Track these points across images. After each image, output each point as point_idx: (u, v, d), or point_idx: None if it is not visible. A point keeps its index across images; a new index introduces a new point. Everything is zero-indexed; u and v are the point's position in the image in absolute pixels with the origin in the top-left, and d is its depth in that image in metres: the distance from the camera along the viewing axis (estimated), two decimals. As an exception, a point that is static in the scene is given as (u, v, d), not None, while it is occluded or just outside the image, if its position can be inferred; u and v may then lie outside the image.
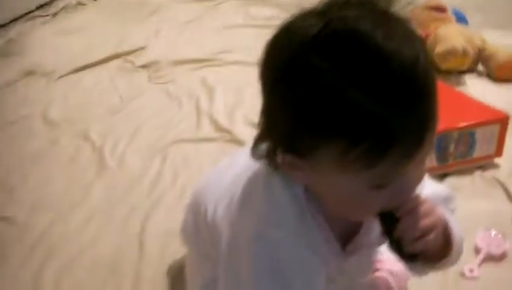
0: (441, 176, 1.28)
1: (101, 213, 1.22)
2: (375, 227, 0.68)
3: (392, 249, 0.65)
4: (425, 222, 0.63)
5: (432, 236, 0.64)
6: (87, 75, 1.87)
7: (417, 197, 0.64)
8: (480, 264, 1.03)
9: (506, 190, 1.24)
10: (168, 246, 1.09)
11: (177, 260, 1.05)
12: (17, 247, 1.13)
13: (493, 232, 1.09)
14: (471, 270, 1.01)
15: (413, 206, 0.63)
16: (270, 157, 0.65)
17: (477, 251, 1.06)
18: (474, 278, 1.00)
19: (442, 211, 0.68)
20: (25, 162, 1.42)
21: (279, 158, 0.63)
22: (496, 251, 1.06)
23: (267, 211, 0.67)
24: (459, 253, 0.72)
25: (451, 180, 1.27)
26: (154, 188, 1.29)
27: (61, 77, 1.85)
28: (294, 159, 0.61)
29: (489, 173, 1.30)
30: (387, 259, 0.96)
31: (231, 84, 1.73)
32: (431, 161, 1.23)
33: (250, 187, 0.71)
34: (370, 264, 0.76)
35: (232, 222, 0.73)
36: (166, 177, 1.33)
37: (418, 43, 0.58)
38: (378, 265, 0.95)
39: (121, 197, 1.27)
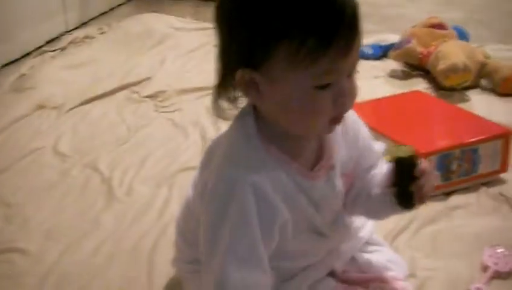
0: (446, 194, 1.28)
1: (110, 242, 1.23)
2: (335, 153, 0.83)
3: (400, 198, 0.81)
4: (433, 183, 0.82)
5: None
6: (95, 107, 1.90)
7: (430, 162, 0.81)
8: (487, 283, 1.03)
9: (512, 205, 1.24)
10: (177, 274, 1.09)
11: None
12: (30, 277, 1.13)
13: (500, 249, 1.09)
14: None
15: (430, 168, 0.81)
16: (225, 83, 0.76)
17: (484, 268, 1.06)
18: (482, 297, 0.99)
19: None
20: (37, 194, 1.44)
21: (238, 76, 0.73)
22: (504, 268, 1.05)
23: (226, 154, 0.79)
24: None
25: (456, 198, 1.27)
26: (162, 216, 1.31)
27: (71, 109, 1.88)
28: (251, 72, 0.72)
29: (495, 189, 1.30)
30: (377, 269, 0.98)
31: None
32: (435, 179, 1.24)
33: (211, 153, 0.85)
34: (338, 189, 0.86)
35: (195, 183, 0.90)
36: (174, 204, 1.34)
37: None
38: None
39: (129, 225, 1.28)
